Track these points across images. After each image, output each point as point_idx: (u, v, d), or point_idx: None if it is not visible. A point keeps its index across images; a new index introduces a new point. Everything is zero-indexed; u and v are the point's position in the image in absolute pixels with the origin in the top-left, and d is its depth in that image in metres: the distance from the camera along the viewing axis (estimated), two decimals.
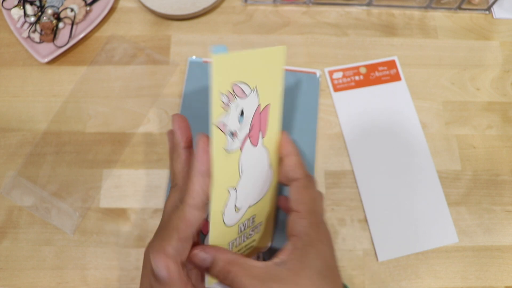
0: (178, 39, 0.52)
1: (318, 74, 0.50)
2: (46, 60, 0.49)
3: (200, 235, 0.40)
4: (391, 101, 0.49)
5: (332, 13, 0.54)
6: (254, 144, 0.30)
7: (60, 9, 0.51)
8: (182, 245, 0.28)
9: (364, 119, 0.49)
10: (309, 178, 0.32)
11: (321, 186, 0.46)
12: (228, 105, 0.27)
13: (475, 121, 0.49)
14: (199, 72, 0.50)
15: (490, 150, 0.48)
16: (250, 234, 0.35)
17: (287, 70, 0.49)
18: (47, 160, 0.47)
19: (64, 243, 0.44)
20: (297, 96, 0.48)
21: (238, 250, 0.35)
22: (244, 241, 0.35)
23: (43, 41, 0.50)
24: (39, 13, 0.51)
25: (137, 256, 0.43)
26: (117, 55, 0.51)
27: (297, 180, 0.32)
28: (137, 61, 0.51)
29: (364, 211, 0.45)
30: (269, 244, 0.40)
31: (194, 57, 0.50)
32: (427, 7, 0.54)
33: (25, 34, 0.50)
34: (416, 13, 0.54)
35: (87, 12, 0.52)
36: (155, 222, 0.44)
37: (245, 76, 0.27)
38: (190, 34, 0.52)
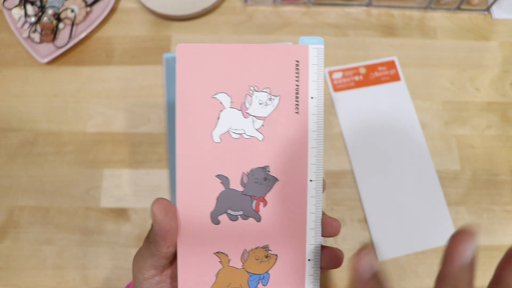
0: (179, 40, 0.52)
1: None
2: (46, 60, 0.49)
3: None
4: (390, 101, 0.50)
5: (332, 13, 0.54)
6: None
7: (60, 10, 0.51)
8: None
9: (363, 119, 0.49)
10: None
11: None
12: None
13: (474, 121, 0.49)
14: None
15: (489, 150, 0.48)
16: None
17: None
18: (47, 160, 0.47)
19: (64, 242, 0.44)
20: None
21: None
22: None
23: (43, 41, 0.50)
24: (40, 14, 0.51)
25: None
26: (117, 55, 0.51)
27: None
28: (137, 61, 0.51)
29: (363, 211, 0.45)
30: None
31: (169, 53, 0.50)
32: (427, 8, 0.54)
33: (26, 34, 0.50)
34: (416, 13, 0.54)
35: (88, 13, 0.52)
36: None
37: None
38: (190, 34, 0.53)
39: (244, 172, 0.26)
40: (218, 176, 0.26)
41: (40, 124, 0.48)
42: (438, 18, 0.54)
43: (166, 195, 0.45)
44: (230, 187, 0.26)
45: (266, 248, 0.26)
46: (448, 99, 0.50)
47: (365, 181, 0.46)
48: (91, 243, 0.44)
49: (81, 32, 0.51)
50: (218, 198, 0.25)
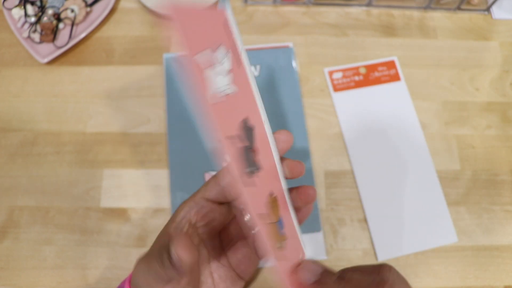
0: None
1: (291, 45, 0.52)
2: (46, 60, 0.49)
3: None
4: (390, 101, 0.50)
5: (332, 13, 0.54)
6: None
7: (60, 10, 0.51)
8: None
9: (363, 119, 0.49)
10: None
11: (321, 186, 0.46)
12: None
13: (474, 121, 0.49)
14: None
15: (489, 150, 0.48)
16: None
17: (258, 49, 0.51)
18: (47, 160, 0.47)
19: (64, 242, 0.44)
20: (275, 72, 0.50)
21: None
22: None
23: (43, 41, 0.50)
24: (40, 14, 0.51)
25: (137, 255, 0.43)
26: (117, 55, 0.51)
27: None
28: (137, 61, 0.51)
29: (363, 211, 0.45)
30: None
31: (169, 53, 0.50)
32: (427, 8, 0.54)
33: (26, 34, 0.50)
34: (416, 13, 0.54)
35: (88, 13, 0.52)
36: (156, 222, 0.44)
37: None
38: None
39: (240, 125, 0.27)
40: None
41: (40, 124, 0.48)
42: (438, 18, 0.54)
43: (166, 195, 0.45)
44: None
45: (271, 194, 0.28)
46: (448, 99, 0.50)
47: (365, 181, 0.46)
48: (91, 243, 0.44)
49: (81, 32, 0.51)
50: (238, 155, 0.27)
